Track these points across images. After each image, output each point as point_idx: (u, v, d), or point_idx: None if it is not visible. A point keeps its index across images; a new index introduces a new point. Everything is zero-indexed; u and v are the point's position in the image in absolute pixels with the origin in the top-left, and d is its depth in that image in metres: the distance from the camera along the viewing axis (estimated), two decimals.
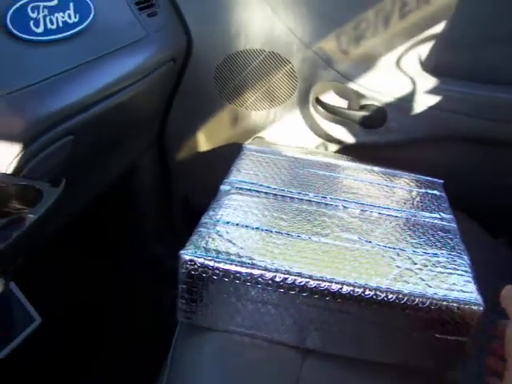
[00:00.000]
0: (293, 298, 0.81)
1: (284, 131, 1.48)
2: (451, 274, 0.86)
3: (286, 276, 0.80)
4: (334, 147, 1.47)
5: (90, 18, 1.04)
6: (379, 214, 1.02)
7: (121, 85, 1.12)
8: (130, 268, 1.62)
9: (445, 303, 0.80)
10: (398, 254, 0.90)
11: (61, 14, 0.98)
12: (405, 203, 1.08)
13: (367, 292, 0.80)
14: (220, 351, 0.87)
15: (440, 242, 0.95)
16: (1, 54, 0.88)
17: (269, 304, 0.82)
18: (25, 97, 0.88)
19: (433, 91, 1.32)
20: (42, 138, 0.92)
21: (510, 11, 1.25)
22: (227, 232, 0.88)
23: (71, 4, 1.01)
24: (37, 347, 1.02)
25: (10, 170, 0.86)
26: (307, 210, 0.99)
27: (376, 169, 1.20)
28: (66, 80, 0.97)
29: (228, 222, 0.91)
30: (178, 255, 0.82)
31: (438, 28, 1.28)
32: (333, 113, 1.41)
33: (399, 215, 1.03)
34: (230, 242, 0.85)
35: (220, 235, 0.87)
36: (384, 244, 0.92)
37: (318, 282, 0.80)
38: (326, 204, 1.02)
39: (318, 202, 1.02)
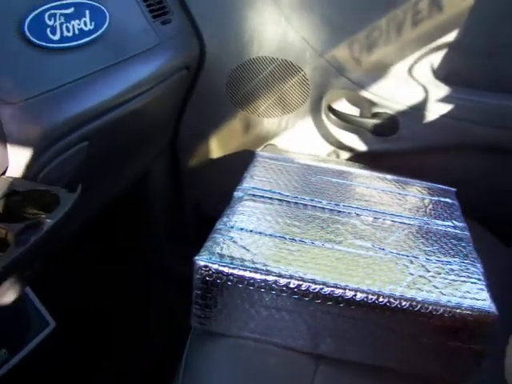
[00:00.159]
0: (307, 305, 0.81)
1: (296, 139, 1.49)
2: (464, 281, 0.87)
3: (300, 282, 0.80)
4: (345, 155, 1.47)
5: (105, 26, 1.05)
6: (392, 221, 1.02)
7: (135, 91, 1.13)
8: (142, 273, 1.63)
9: (458, 311, 0.80)
10: (412, 262, 0.90)
11: (77, 21, 0.99)
12: (417, 211, 1.08)
13: (381, 299, 0.80)
14: (233, 357, 0.87)
15: (453, 250, 0.95)
16: (18, 61, 0.89)
17: (283, 310, 0.83)
18: (41, 103, 0.89)
19: (445, 99, 1.32)
20: (58, 144, 0.92)
21: None
22: (241, 238, 0.88)
23: (87, 12, 1.02)
24: (50, 352, 1.03)
25: (26, 176, 0.87)
26: (320, 217, 0.99)
27: (388, 177, 1.20)
28: (81, 87, 0.98)
29: (242, 229, 0.91)
30: (193, 261, 0.82)
31: (451, 36, 1.28)
32: (345, 121, 1.41)
33: (412, 223, 1.03)
34: (244, 248, 0.86)
35: (234, 241, 0.87)
36: (397, 251, 0.92)
37: (332, 289, 0.80)
38: (339, 211, 1.02)
39: (331, 210, 1.02)
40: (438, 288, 0.84)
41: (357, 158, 1.45)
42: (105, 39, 1.06)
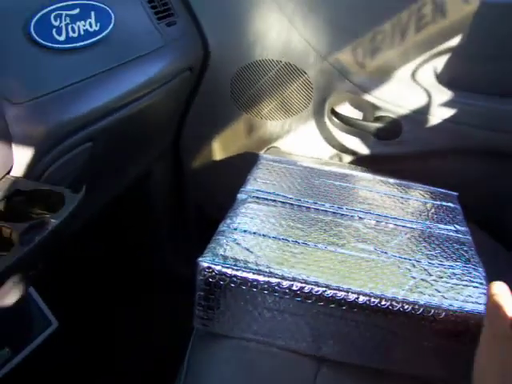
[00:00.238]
0: (309, 307, 0.82)
1: (299, 141, 1.49)
2: (466, 286, 0.87)
3: (303, 285, 0.81)
4: (348, 158, 1.47)
5: (110, 27, 1.06)
6: (395, 225, 1.02)
7: (140, 92, 1.13)
8: (144, 274, 1.63)
9: (460, 314, 0.80)
10: (414, 265, 0.90)
11: (82, 22, 1.00)
12: (420, 215, 1.08)
13: (383, 302, 0.80)
14: (236, 359, 0.87)
15: (455, 254, 0.96)
16: (24, 61, 0.89)
17: (285, 312, 0.83)
18: (46, 104, 0.89)
19: (448, 104, 1.32)
20: (63, 144, 0.93)
21: None
22: (245, 240, 0.88)
23: (92, 13, 1.02)
24: (52, 351, 1.03)
25: (31, 175, 0.87)
26: (323, 220, 0.99)
27: (391, 180, 1.20)
28: (86, 87, 0.98)
29: (245, 231, 0.91)
30: (196, 262, 0.82)
31: (454, 41, 1.29)
32: (348, 124, 1.41)
33: (414, 227, 1.03)
34: (247, 250, 0.86)
35: (238, 243, 0.87)
36: (399, 255, 0.92)
37: (335, 292, 0.80)
38: (342, 214, 1.03)
39: (334, 213, 1.03)
40: (440, 292, 0.84)
41: (359, 161, 1.45)
42: (110, 40, 1.06)
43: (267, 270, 0.82)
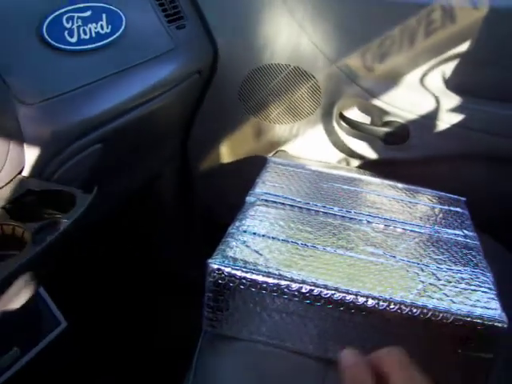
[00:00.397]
0: (318, 310, 0.82)
1: (307, 145, 1.49)
2: (475, 290, 0.87)
3: (312, 288, 0.81)
4: (356, 162, 1.47)
5: (121, 29, 1.07)
6: (403, 229, 1.02)
7: (149, 95, 1.14)
8: (152, 276, 1.63)
9: (469, 319, 0.80)
10: (422, 270, 0.90)
11: (94, 24, 1.00)
12: (428, 219, 1.08)
13: (392, 306, 0.80)
14: (244, 360, 0.87)
15: (463, 258, 0.96)
16: (36, 63, 0.90)
17: (294, 315, 0.83)
18: (58, 105, 0.90)
19: (456, 109, 1.33)
20: (73, 146, 0.94)
21: None
22: (254, 243, 0.88)
23: (104, 15, 1.03)
24: (61, 351, 1.03)
25: (42, 176, 0.88)
26: (332, 224, 0.99)
27: (399, 185, 1.20)
28: (97, 89, 0.99)
29: (255, 233, 0.91)
30: (205, 264, 0.83)
31: (463, 47, 1.29)
32: (356, 128, 1.42)
33: (422, 231, 1.03)
34: (256, 252, 0.86)
35: (247, 246, 0.87)
36: (408, 259, 0.92)
37: (344, 295, 0.80)
38: (351, 218, 1.03)
39: (343, 216, 1.03)
40: (448, 296, 0.84)
41: (367, 165, 1.45)
42: (121, 43, 1.07)
43: (276, 272, 0.82)
